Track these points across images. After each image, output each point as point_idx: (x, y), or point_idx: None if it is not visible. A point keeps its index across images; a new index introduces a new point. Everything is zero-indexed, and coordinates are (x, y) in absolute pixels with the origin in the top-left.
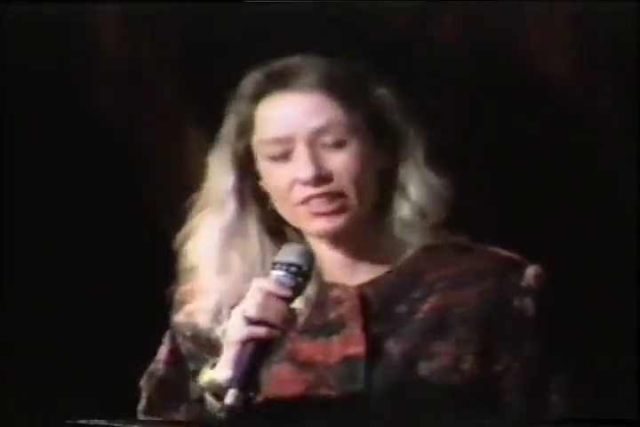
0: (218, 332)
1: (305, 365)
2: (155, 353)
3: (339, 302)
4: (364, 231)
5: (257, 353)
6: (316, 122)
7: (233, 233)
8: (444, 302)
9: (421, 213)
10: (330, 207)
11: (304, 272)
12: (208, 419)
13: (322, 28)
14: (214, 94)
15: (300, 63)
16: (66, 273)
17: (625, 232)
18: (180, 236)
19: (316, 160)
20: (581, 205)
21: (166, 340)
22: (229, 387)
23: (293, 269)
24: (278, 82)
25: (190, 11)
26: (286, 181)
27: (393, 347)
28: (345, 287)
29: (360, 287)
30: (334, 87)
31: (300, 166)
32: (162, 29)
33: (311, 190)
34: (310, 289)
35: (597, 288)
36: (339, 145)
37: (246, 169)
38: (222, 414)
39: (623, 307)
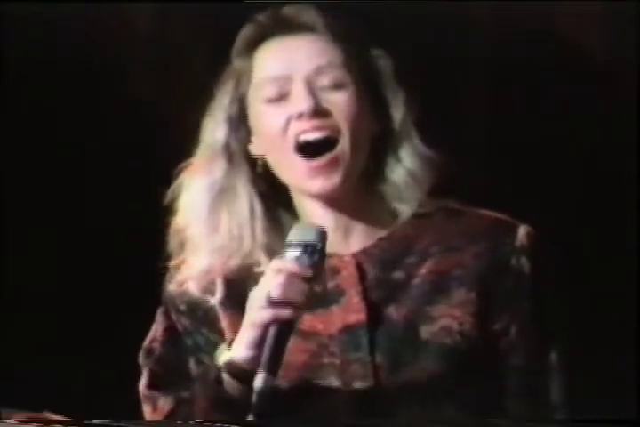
0: (212, 301)
1: (307, 335)
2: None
3: (335, 271)
4: (357, 195)
5: (282, 335)
6: (316, 62)
7: (222, 191)
8: (441, 266)
9: (414, 179)
10: (323, 159)
11: (320, 250)
12: (231, 400)
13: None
14: None
15: (299, 9)
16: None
17: (616, 189)
18: (168, 193)
19: (313, 96)
20: (571, 162)
21: (159, 317)
22: (256, 369)
23: (310, 248)
24: (278, 26)
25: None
26: (282, 120)
27: (393, 313)
28: (340, 257)
29: (355, 256)
30: (335, 32)
31: (298, 101)
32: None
33: (306, 124)
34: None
35: (588, 248)
36: (337, 87)
37: (238, 126)
38: (252, 397)
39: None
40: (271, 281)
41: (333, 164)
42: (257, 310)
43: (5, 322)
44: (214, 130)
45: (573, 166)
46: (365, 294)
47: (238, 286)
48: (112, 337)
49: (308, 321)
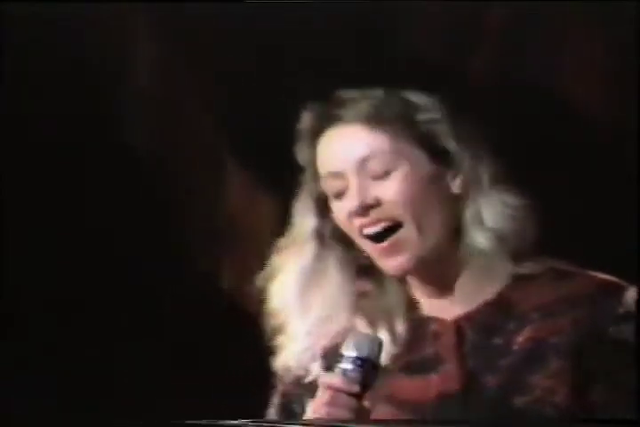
0: (314, 372)
1: (403, 404)
2: None
3: (436, 337)
4: (443, 263)
5: None
6: (360, 153)
7: (313, 274)
8: (539, 333)
9: (500, 240)
10: (387, 243)
11: (371, 363)
12: None
13: (322, 28)
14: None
15: (345, 97)
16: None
17: None
18: (260, 279)
19: (362, 190)
20: None
21: (277, 382)
22: None
23: (360, 361)
24: (328, 118)
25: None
26: (344, 216)
27: (489, 380)
28: (442, 321)
29: (456, 321)
30: (377, 117)
31: (350, 199)
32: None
33: (363, 219)
34: (400, 326)
35: None
36: (387, 173)
37: (323, 211)
38: None
39: None
40: (318, 399)
41: (398, 246)
42: None
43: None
44: (304, 215)
45: None
46: (463, 362)
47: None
48: None
49: (404, 389)
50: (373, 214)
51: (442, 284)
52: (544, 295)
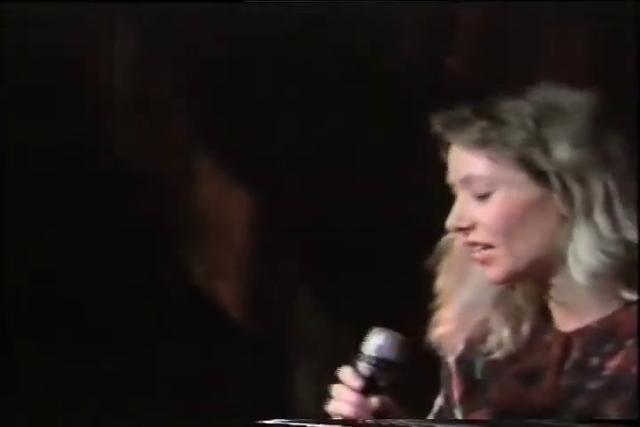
0: (450, 358)
1: (503, 414)
2: None
3: (546, 347)
4: (548, 278)
5: None
6: (461, 174)
7: (468, 261)
8: (626, 360)
9: (594, 278)
10: (479, 255)
11: (387, 362)
12: None
13: (322, 28)
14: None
15: (457, 116)
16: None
17: None
18: (430, 260)
19: (461, 210)
20: None
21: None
22: None
23: (374, 361)
24: (446, 132)
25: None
26: None
27: (576, 402)
28: (557, 332)
29: (569, 335)
30: (481, 141)
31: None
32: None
33: (463, 238)
34: (525, 327)
35: None
36: (481, 197)
37: None
38: None
39: None
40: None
41: (489, 261)
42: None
43: None
44: None
45: None
46: (561, 378)
47: (473, 349)
48: None
49: (507, 396)
50: (469, 236)
51: (554, 297)
52: None
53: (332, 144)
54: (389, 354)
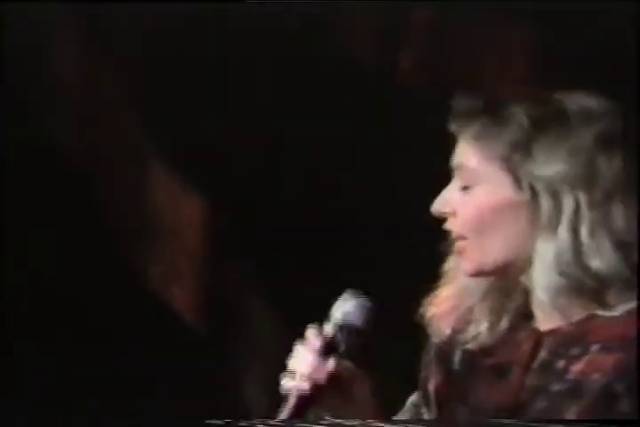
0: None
1: (473, 409)
2: None
3: (519, 344)
4: (519, 280)
5: (298, 406)
6: (456, 162)
7: None
8: (590, 366)
9: (554, 295)
10: (455, 246)
11: (352, 328)
12: None
13: (321, 28)
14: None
15: (462, 109)
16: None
17: None
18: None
19: (447, 196)
20: None
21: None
22: None
23: (339, 325)
24: (454, 122)
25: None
26: None
27: (536, 405)
28: (532, 331)
29: (541, 334)
30: (479, 136)
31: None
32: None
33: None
34: (504, 323)
35: None
36: (466, 188)
37: None
38: None
39: None
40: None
41: (463, 251)
42: (283, 379)
43: None
44: None
45: None
46: (525, 377)
47: (455, 338)
48: None
49: (476, 392)
50: (448, 224)
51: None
52: (612, 330)
53: (301, 145)
54: (356, 320)
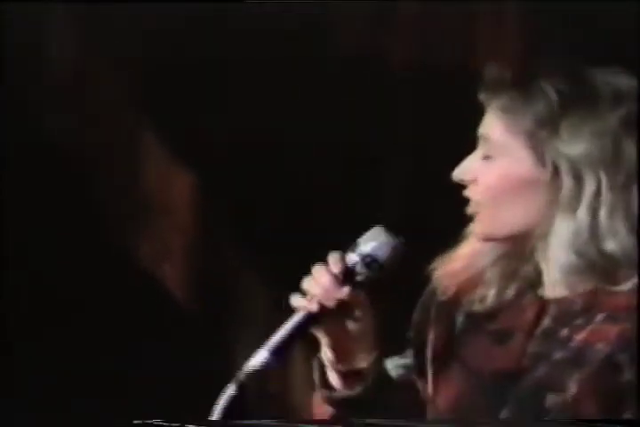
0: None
1: (471, 372)
2: None
3: (522, 310)
4: (531, 254)
5: (301, 324)
6: (483, 131)
7: None
8: (593, 335)
9: (567, 273)
10: (470, 210)
11: (375, 262)
12: None
13: (321, 28)
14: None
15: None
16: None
17: None
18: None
19: (468, 164)
20: None
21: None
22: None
23: (363, 256)
24: (484, 93)
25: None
26: None
27: (537, 372)
28: (537, 298)
29: (546, 302)
30: (506, 108)
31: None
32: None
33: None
34: (510, 291)
35: None
36: (488, 158)
37: None
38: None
39: None
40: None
41: (476, 216)
42: (294, 295)
43: None
44: None
45: None
46: (527, 344)
47: (459, 299)
48: None
49: (480, 357)
50: (468, 191)
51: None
52: (617, 301)
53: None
54: (382, 255)
